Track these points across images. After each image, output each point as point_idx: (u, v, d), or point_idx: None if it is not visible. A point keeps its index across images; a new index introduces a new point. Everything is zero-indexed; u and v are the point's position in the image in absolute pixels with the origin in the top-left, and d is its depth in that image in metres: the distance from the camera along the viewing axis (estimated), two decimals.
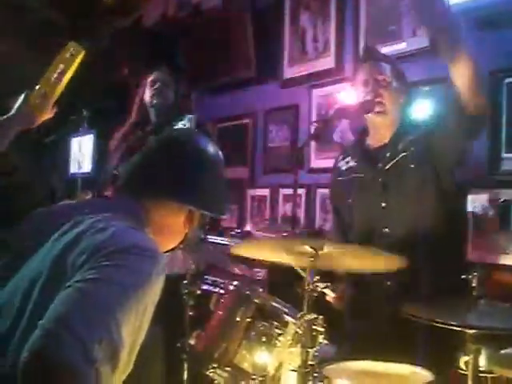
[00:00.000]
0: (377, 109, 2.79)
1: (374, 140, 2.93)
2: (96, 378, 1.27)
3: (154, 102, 3.78)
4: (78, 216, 1.62)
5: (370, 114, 2.82)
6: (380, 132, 2.88)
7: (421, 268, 2.57)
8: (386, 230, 2.74)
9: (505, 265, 3.20)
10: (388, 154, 2.80)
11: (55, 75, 2.39)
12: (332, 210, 3.22)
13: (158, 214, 1.76)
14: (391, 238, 2.71)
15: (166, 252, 1.84)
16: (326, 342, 2.19)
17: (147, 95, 3.83)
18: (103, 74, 5.97)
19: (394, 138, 2.83)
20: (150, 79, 3.81)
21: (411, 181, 2.73)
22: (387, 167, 2.79)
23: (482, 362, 2.16)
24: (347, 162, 2.99)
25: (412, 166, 2.73)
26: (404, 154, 2.76)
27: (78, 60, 2.45)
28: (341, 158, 3.08)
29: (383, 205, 2.76)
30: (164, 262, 1.52)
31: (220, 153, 1.92)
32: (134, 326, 1.40)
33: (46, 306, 1.36)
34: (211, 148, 1.90)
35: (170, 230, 1.82)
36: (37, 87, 2.40)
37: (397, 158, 2.77)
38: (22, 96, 2.40)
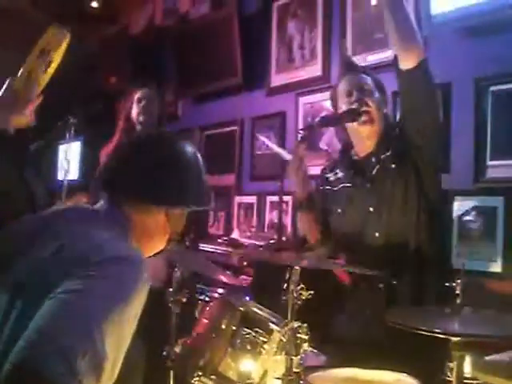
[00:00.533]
0: (363, 118, 2.79)
1: (359, 150, 2.94)
2: None
3: (140, 119, 3.89)
4: (60, 225, 1.61)
5: (355, 124, 2.82)
6: (365, 142, 2.88)
7: (405, 274, 2.58)
8: (376, 234, 2.75)
9: (489, 272, 3.22)
10: (373, 160, 2.82)
11: (39, 56, 2.29)
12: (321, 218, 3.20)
13: (138, 219, 1.74)
14: (379, 241, 2.73)
15: (154, 255, 1.84)
16: (311, 349, 2.21)
17: (134, 111, 3.92)
18: (90, 81, 5.97)
19: (379, 145, 2.84)
20: (136, 96, 3.89)
21: (394, 182, 2.74)
22: (373, 172, 2.80)
23: (467, 368, 2.17)
24: (335, 174, 3.00)
25: (393, 165, 2.75)
26: (385, 154, 2.79)
27: (64, 44, 2.36)
28: (328, 169, 3.09)
29: (371, 209, 2.77)
30: (148, 271, 1.51)
31: (192, 147, 1.88)
32: (118, 337, 1.39)
33: (30, 317, 1.35)
34: (182, 145, 1.86)
35: (152, 232, 1.80)
36: (20, 71, 2.31)
37: (380, 162, 2.79)
38: (6, 82, 2.32)
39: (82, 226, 1.59)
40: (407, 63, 2.66)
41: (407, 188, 2.72)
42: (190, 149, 1.86)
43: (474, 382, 2.18)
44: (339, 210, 2.92)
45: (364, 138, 2.89)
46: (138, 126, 3.90)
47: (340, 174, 2.97)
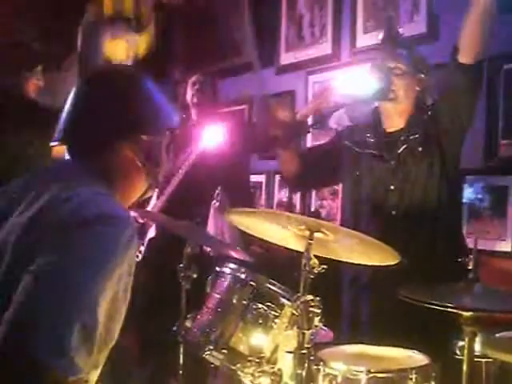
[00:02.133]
0: (387, 96, 2.79)
1: (388, 125, 2.91)
2: (71, 367, 1.25)
3: (195, 100, 4.17)
4: (40, 185, 1.52)
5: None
6: (393, 118, 2.87)
7: (420, 251, 2.59)
8: (393, 212, 2.76)
9: (499, 251, 3.22)
10: (402, 138, 2.81)
11: None
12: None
13: (107, 161, 1.63)
14: (395, 220, 2.75)
15: (141, 198, 1.77)
16: (322, 326, 2.21)
17: (189, 95, 4.22)
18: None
19: (409, 123, 2.83)
20: (191, 80, 4.10)
21: (419, 165, 2.76)
22: (399, 151, 2.79)
23: (477, 346, 2.17)
24: (364, 136, 2.95)
25: (420, 149, 2.75)
26: (414, 136, 2.78)
27: None
28: (358, 130, 3.04)
29: (391, 187, 2.78)
30: (133, 226, 1.46)
31: (139, 75, 1.76)
32: (110, 303, 1.36)
33: (10, 293, 1.29)
34: (125, 70, 1.79)
35: (126, 171, 1.66)
36: None
37: (409, 145, 2.78)
38: None
39: (63, 184, 1.51)
40: (468, 59, 2.68)
41: (430, 172, 2.74)
42: (137, 76, 1.76)
43: (485, 359, 2.20)
44: (357, 173, 2.90)
45: (392, 114, 2.87)
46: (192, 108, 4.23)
47: (368, 140, 2.92)
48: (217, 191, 3.55)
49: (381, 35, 3.00)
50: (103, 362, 1.47)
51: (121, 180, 1.65)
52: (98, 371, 1.48)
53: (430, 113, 2.81)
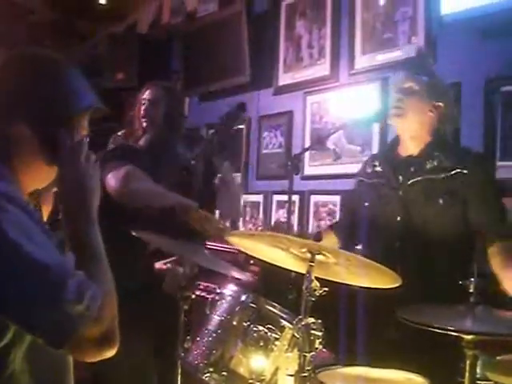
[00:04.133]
0: (393, 111, 2.76)
1: (403, 149, 2.86)
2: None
3: (143, 118, 3.85)
4: None
5: (398, 122, 2.80)
6: (406, 143, 2.82)
7: (423, 276, 2.59)
8: (397, 243, 2.70)
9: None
10: (412, 169, 2.74)
11: None
12: (344, 208, 3.18)
13: (6, 139, 1.53)
14: (402, 251, 2.69)
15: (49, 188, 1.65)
16: (321, 347, 2.21)
17: (141, 110, 3.90)
18: (97, 78, 5.97)
19: (423, 153, 2.76)
20: (142, 97, 3.88)
21: (433, 207, 2.66)
22: (409, 182, 2.73)
23: (478, 369, 2.16)
24: (374, 166, 2.92)
25: (441, 201, 2.65)
26: (429, 165, 2.72)
27: None
28: (370, 160, 3.02)
29: (398, 218, 2.71)
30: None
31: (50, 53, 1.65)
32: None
33: None
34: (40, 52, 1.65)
35: (24, 153, 1.53)
36: None
37: (421, 178, 2.71)
38: None
39: None
40: None
41: (438, 205, 2.65)
42: (50, 58, 1.65)
43: (486, 382, 2.19)
44: (366, 204, 2.88)
45: (404, 137, 2.83)
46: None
47: (378, 168, 2.89)
48: None
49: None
50: None
51: (18, 159, 1.53)
52: None
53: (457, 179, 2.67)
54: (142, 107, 3.84)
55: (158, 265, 3.22)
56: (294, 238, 2.14)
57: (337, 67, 4.31)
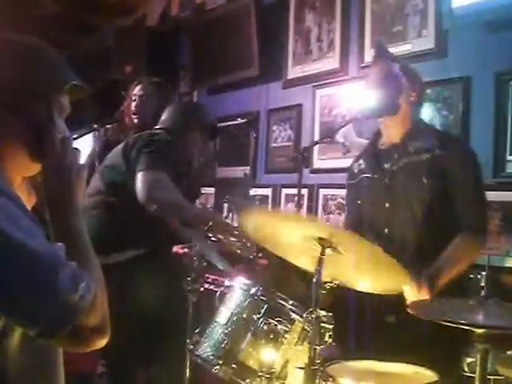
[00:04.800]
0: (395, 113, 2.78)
1: (386, 140, 2.90)
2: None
3: (133, 113, 3.94)
4: None
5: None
6: (391, 131, 2.86)
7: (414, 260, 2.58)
8: (386, 230, 2.73)
9: (508, 267, 3.20)
10: (396, 156, 2.78)
11: None
12: (346, 211, 3.20)
13: None
14: (392, 239, 2.70)
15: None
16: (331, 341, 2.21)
17: (131, 105, 3.98)
18: (106, 72, 5.98)
19: (405, 139, 2.80)
20: (132, 92, 3.89)
21: (419, 188, 2.69)
22: (394, 168, 2.77)
23: (488, 364, 2.16)
24: (359, 165, 2.97)
25: (424, 180, 2.68)
26: (411, 149, 2.75)
27: None
28: (354, 160, 3.07)
29: (386, 205, 2.75)
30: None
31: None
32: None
33: None
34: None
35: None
36: None
37: (406, 161, 2.75)
38: None
39: None
40: None
41: (431, 196, 2.67)
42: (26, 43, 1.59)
43: (496, 377, 2.18)
44: (359, 202, 2.90)
45: (388, 126, 2.86)
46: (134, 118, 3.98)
47: (363, 165, 2.95)
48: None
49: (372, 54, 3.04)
50: None
51: (1, 147, 1.49)
52: None
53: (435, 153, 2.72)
54: (133, 103, 3.86)
55: (176, 248, 3.25)
56: (313, 218, 2.13)
57: (346, 60, 4.30)
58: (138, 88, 3.90)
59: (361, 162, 2.98)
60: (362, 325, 2.83)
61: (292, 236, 2.14)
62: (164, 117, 3.47)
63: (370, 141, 3.08)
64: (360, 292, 2.61)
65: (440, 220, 2.67)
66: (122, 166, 3.18)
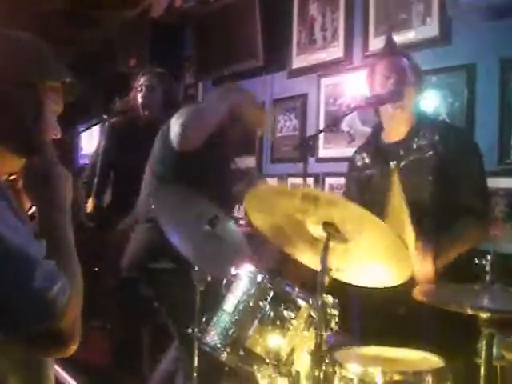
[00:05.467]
0: (399, 102, 2.78)
1: (389, 135, 2.91)
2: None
3: (141, 104, 4.03)
4: None
5: (389, 107, 2.80)
6: (396, 127, 2.87)
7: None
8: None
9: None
10: (402, 152, 2.79)
11: None
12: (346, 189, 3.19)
13: None
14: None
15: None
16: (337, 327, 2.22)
17: (138, 97, 4.07)
18: (111, 64, 6.00)
19: (410, 136, 2.81)
20: (138, 83, 3.94)
21: (424, 185, 2.72)
22: (400, 166, 2.78)
23: (494, 348, 2.17)
24: (363, 158, 2.98)
25: (430, 178, 2.72)
26: (419, 156, 2.75)
27: None
28: (357, 153, 3.07)
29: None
30: None
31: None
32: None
33: None
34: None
35: None
36: None
37: (411, 158, 2.77)
38: None
39: None
40: None
41: (437, 192, 2.71)
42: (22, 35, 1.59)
43: (502, 362, 2.19)
44: (365, 197, 2.88)
45: (396, 122, 2.87)
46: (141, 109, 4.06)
47: (367, 159, 2.95)
48: None
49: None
50: None
51: None
52: None
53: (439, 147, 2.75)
54: (139, 94, 3.90)
55: None
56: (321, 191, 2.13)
57: (350, 49, 4.30)
58: (143, 79, 3.94)
59: (364, 155, 2.98)
60: (369, 312, 2.85)
61: (298, 220, 2.15)
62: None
63: (371, 133, 3.09)
64: None
65: (445, 214, 2.70)
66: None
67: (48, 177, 1.51)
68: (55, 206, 1.50)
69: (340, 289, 2.38)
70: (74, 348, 1.37)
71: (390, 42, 3.03)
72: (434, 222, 2.69)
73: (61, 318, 1.29)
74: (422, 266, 2.46)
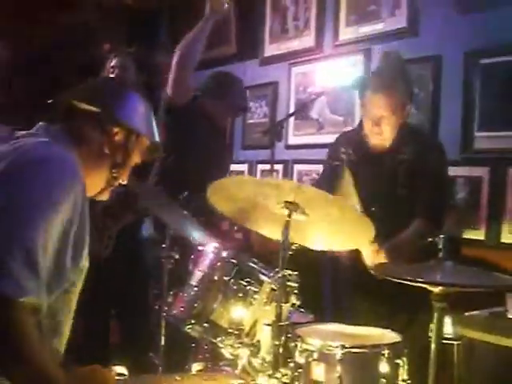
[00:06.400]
0: (375, 140, 2.87)
1: (376, 141, 2.90)
2: (17, 287, 1.37)
3: None
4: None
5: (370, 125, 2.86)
6: (382, 136, 2.87)
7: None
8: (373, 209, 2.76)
9: (472, 239, 3.32)
10: (385, 160, 2.88)
11: None
12: (318, 183, 3.19)
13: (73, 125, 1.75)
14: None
15: (99, 194, 1.84)
16: (301, 309, 2.31)
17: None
18: (85, 49, 5.98)
19: (395, 146, 2.88)
20: (110, 65, 3.94)
21: (403, 190, 2.85)
22: (383, 174, 2.88)
23: (451, 328, 2.25)
24: (349, 154, 3.00)
25: (403, 180, 2.85)
26: (399, 164, 2.86)
27: None
28: (341, 143, 3.09)
29: (372, 209, 2.74)
30: (77, 170, 1.58)
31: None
32: (59, 235, 1.49)
33: None
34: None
35: (88, 144, 1.75)
36: None
37: (391, 164, 2.87)
38: None
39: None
40: None
41: (414, 193, 2.83)
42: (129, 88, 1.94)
43: (453, 337, 2.29)
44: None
45: (380, 133, 2.86)
46: None
47: (353, 157, 2.98)
48: None
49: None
50: (66, 328, 1.59)
51: (83, 154, 1.73)
52: (62, 340, 1.60)
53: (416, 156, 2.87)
54: (112, 75, 3.92)
55: None
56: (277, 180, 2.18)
57: (321, 39, 4.38)
58: (116, 60, 3.94)
59: (350, 152, 3.00)
60: (334, 290, 2.93)
61: (261, 201, 2.21)
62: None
63: (356, 132, 3.07)
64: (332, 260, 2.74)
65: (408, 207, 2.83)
66: None
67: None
68: None
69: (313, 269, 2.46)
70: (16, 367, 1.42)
71: (381, 75, 2.95)
72: (394, 222, 2.79)
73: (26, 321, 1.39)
74: (376, 260, 2.59)
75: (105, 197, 1.86)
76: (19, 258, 1.37)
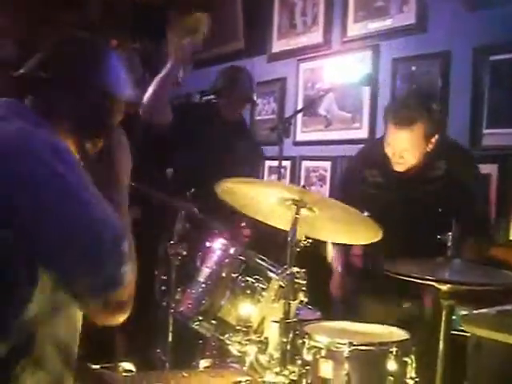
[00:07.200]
0: (398, 168, 2.78)
1: (400, 162, 2.78)
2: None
3: None
4: None
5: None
6: (407, 158, 2.77)
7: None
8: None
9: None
10: (413, 183, 2.82)
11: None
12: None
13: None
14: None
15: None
16: (309, 306, 2.31)
17: None
18: None
19: (424, 167, 2.80)
20: None
21: (431, 214, 2.75)
22: (411, 196, 2.81)
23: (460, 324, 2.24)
24: (374, 176, 2.93)
25: (438, 209, 2.74)
26: (431, 189, 2.80)
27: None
28: (366, 165, 3.00)
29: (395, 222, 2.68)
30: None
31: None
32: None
33: None
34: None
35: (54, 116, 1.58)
36: None
37: (421, 189, 2.81)
38: None
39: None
40: None
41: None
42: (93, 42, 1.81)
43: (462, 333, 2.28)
44: (365, 214, 2.90)
45: (405, 155, 2.75)
46: None
47: (379, 179, 2.92)
48: None
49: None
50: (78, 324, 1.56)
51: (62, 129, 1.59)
52: (76, 335, 1.56)
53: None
54: None
55: None
56: (283, 183, 2.20)
57: (330, 35, 4.37)
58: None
59: (375, 173, 2.92)
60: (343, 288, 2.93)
61: (269, 200, 2.22)
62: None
63: (376, 149, 2.92)
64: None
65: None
66: None
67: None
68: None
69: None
70: (125, 317, 1.46)
71: (402, 110, 2.77)
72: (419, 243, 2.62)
73: (127, 287, 1.40)
74: None
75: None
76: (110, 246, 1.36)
